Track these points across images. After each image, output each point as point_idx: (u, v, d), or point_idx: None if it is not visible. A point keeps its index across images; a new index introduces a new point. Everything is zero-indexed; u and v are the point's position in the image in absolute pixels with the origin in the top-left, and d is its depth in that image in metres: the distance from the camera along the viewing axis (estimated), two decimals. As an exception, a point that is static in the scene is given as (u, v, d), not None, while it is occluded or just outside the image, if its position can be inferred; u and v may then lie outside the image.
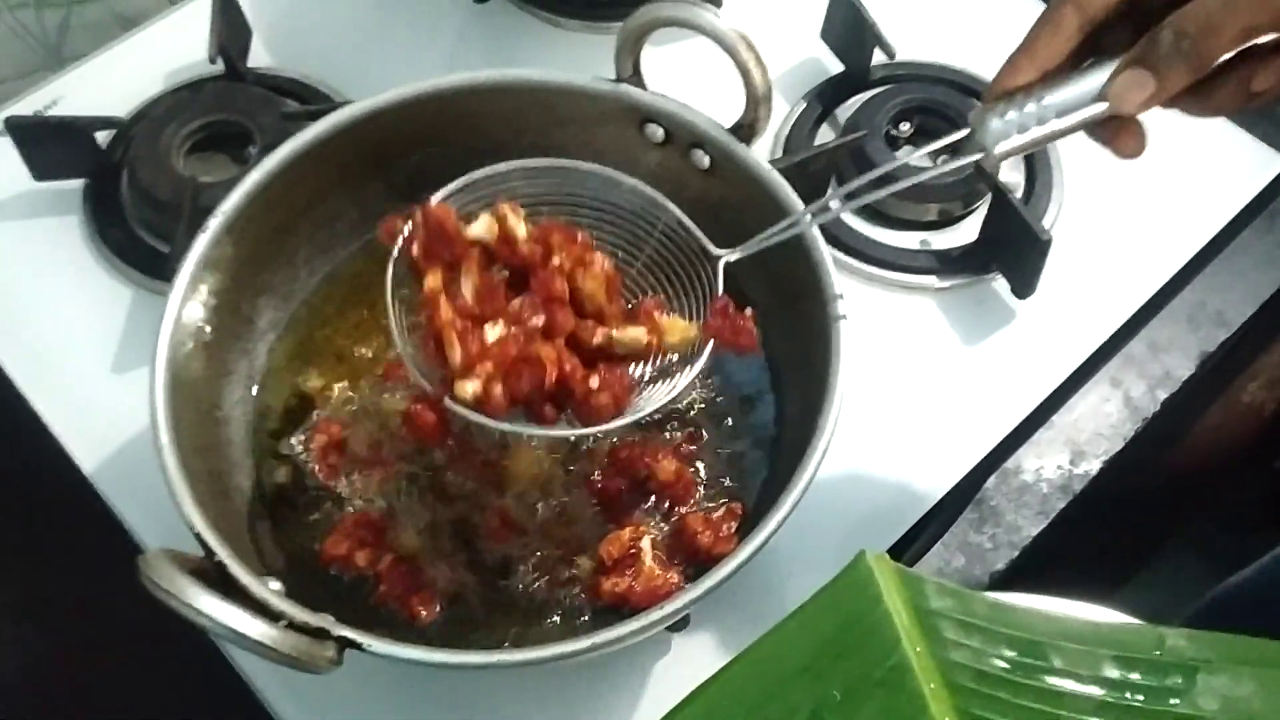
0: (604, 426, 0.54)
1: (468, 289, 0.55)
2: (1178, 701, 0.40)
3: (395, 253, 0.56)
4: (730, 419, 0.64)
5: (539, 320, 0.54)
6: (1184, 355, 0.75)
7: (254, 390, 0.66)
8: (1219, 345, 0.76)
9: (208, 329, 0.62)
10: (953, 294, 0.73)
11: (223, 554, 0.53)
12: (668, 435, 0.64)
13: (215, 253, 0.61)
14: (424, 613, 0.60)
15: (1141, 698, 0.41)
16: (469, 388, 0.52)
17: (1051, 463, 0.70)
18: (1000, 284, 0.73)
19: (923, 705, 0.41)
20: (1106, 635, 0.42)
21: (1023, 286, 0.71)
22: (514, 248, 0.55)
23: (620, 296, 0.57)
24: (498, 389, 0.53)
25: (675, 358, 0.57)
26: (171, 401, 0.57)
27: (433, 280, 0.55)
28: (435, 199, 0.56)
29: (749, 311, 0.56)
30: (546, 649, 0.49)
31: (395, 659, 0.51)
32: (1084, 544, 0.52)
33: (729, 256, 0.57)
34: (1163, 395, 0.74)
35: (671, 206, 0.58)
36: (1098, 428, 0.72)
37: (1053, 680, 0.41)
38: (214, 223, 0.61)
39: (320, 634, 0.50)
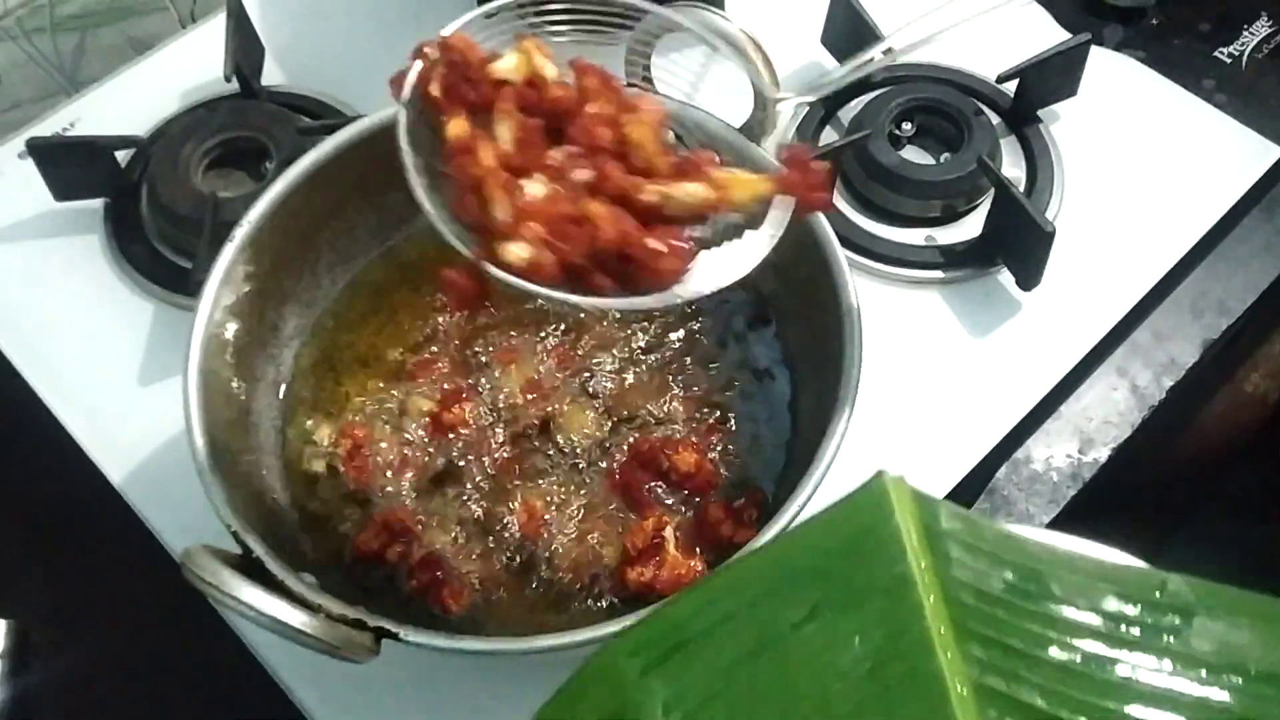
0: (665, 296, 0.50)
1: (505, 134, 0.48)
2: (1172, 640, 0.44)
3: (407, 93, 0.51)
4: (747, 411, 0.68)
5: (585, 174, 0.48)
6: (1188, 343, 0.79)
7: (280, 395, 0.70)
8: (1222, 333, 0.79)
9: (235, 336, 0.66)
10: (958, 287, 0.77)
11: (259, 550, 0.56)
12: (684, 428, 0.67)
13: (241, 261, 0.65)
14: (454, 606, 0.64)
15: (1137, 631, 0.45)
16: (518, 251, 0.47)
17: (1061, 451, 0.74)
18: (1005, 277, 0.77)
19: (920, 614, 0.45)
20: (1109, 572, 0.46)
21: (1027, 278, 0.75)
22: (543, 91, 0.50)
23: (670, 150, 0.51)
24: (548, 253, 0.47)
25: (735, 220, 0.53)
26: (204, 405, 0.62)
27: (458, 126, 0.49)
28: (451, 28, 0.51)
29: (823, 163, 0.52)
30: (577, 633, 0.53)
31: (431, 648, 0.54)
32: (1094, 533, 0.56)
33: (792, 99, 0.56)
34: (1169, 383, 0.78)
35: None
36: (1105, 416, 0.76)
37: (1051, 606, 0.45)
38: (240, 232, 0.65)
39: (357, 625, 0.54)
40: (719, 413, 0.68)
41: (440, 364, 0.71)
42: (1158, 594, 0.45)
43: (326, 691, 0.65)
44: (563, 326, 0.71)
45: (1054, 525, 0.73)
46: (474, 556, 0.66)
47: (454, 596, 0.64)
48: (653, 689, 0.44)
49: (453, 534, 0.66)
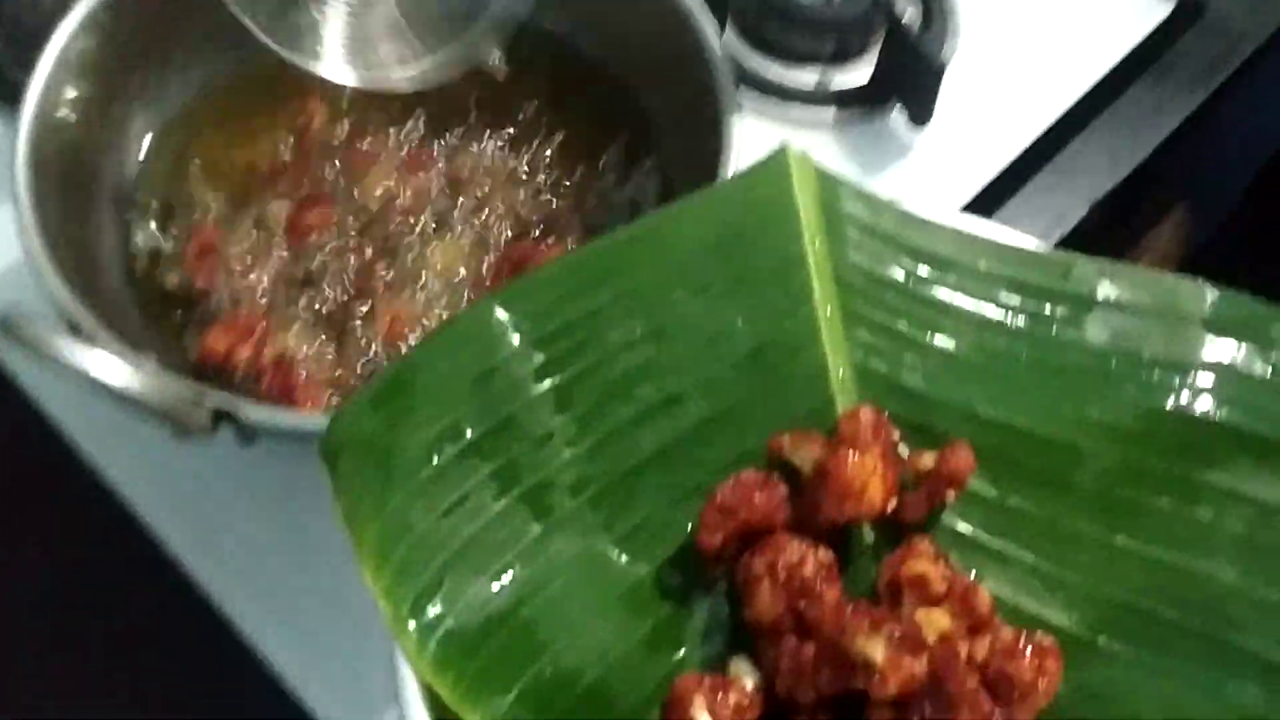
0: None
1: None
2: (1067, 330, 0.43)
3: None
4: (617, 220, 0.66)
5: None
6: (1076, 199, 0.80)
7: (127, 194, 0.66)
8: (1107, 193, 0.80)
9: (74, 127, 0.62)
10: (849, 129, 0.77)
11: (90, 325, 0.52)
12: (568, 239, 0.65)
13: (79, 47, 0.61)
14: (310, 408, 0.60)
15: (1031, 322, 0.44)
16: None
17: None
18: (897, 119, 0.77)
19: (808, 294, 0.44)
20: (1015, 258, 0.44)
21: (919, 112, 0.75)
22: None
23: None
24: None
25: None
26: (36, 188, 0.58)
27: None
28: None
29: None
30: None
31: (270, 428, 0.51)
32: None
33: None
34: (1055, 237, 0.78)
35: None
36: None
37: (945, 292, 0.44)
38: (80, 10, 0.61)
39: (193, 402, 0.50)
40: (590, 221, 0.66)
41: (298, 171, 0.68)
42: (1060, 281, 0.44)
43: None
44: (434, 141, 0.69)
45: None
46: (330, 362, 0.62)
47: (310, 400, 0.60)
48: (531, 355, 0.41)
49: (307, 339, 0.63)
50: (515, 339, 0.41)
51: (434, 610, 0.37)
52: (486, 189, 0.67)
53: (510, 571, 0.39)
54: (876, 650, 0.35)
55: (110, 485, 0.63)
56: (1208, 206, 0.99)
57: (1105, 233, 0.83)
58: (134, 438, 0.60)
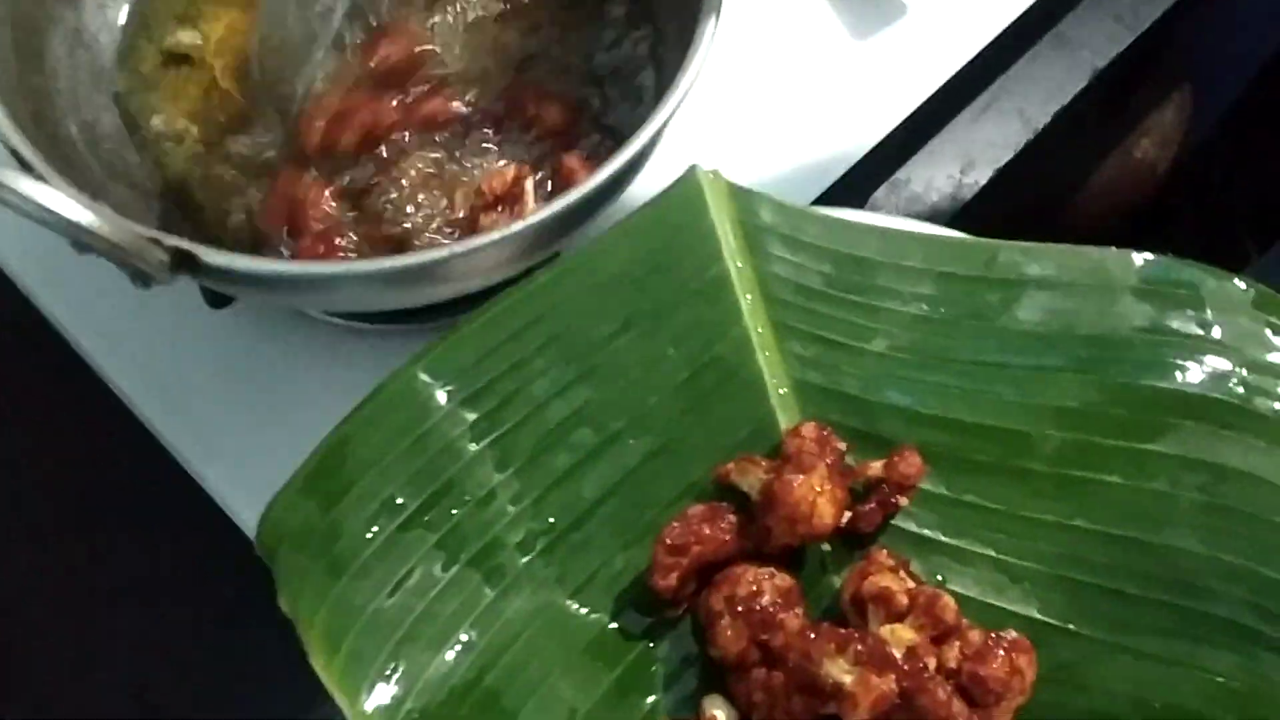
0: None
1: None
2: (999, 317, 0.43)
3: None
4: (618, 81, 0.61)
5: None
6: (1077, 70, 0.78)
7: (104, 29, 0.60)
8: (1108, 64, 0.79)
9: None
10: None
11: (44, 169, 0.47)
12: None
13: None
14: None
15: (963, 311, 0.43)
16: None
17: (942, 173, 0.73)
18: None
19: (736, 315, 0.43)
20: (938, 251, 0.44)
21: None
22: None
23: None
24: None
25: None
26: None
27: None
28: None
29: None
30: (401, 259, 0.45)
31: (231, 272, 0.46)
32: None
33: None
34: (1054, 108, 0.76)
35: None
36: (990, 139, 0.75)
37: (874, 295, 0.44)
38: None
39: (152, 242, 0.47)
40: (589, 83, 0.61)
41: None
42: (986, 268, 0.44)
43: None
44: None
45: None
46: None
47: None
48: (461, 416, 0.41)
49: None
50: (443, 400, 0.41)
51: (393, 693, 0.36)
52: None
53: (468, 642, 0.38)
54: (845, 674, 0.35)
55: (82, 351, 0.61)
56: (1211, 92, 0.97)
57: (1105, 112, 0.81)
58: (105, 302, 0.59)
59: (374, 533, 0.38)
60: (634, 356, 0.43)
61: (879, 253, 0.45)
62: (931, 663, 0.36)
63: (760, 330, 0.44)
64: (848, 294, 0.44)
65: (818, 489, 0.38)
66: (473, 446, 0.40)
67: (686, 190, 0.45)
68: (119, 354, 0.60)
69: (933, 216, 0.71)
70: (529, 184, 0.54)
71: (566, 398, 0.42)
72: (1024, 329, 0.43)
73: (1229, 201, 0.74)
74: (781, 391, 0.43)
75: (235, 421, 0.58)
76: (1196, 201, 0.96)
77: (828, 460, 0.40)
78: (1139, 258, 0.43)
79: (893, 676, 0.35)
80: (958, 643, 0.37)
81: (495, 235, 0.42)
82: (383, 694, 0.36)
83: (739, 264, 0.44)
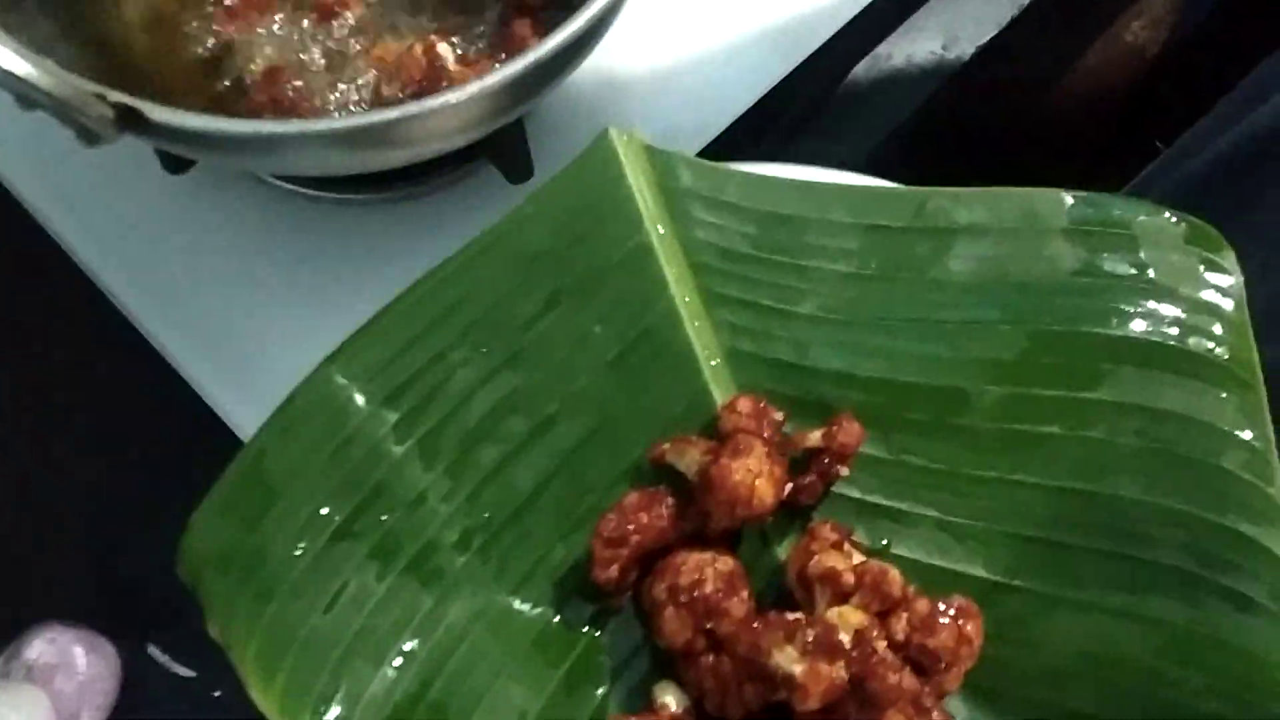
0: None
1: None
2: (931, 268, 0.42)
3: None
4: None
5: None
6: None
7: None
8: None
9: None
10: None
11: None
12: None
13: None
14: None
15: (893, 265, 0.43)
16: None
17: (923, 48, 0.72)
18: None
19: (662, 286, 0.42)
20: (862, 205, 0.43)
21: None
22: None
23: None
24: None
25: None
26: None
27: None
28: None
29: None
30: (353, 119, 0.44)
31: (178, 130, 0.45)
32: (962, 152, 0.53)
33: None
34: None
35: None
36: (974, 13, 0.73)
37: (801, 255, 0.43)
38: None
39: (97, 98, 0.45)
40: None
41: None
42: (915, 217, 0.43)
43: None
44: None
45: (910, 124, 0.70)
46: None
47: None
48: (383, 417, 0.39)
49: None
50: (362, 401, 0.39)
51: (336, 714, 0.36)
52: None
53: (410, 652, 0.37)
54: (794, 664, 0.35)
55: (41, 219, 0.60)
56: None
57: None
58: (67, 174, 0.58)
59: (302, 549, 0.37)
60: (559, 337, 0.42)
61: (804, 209, 0.43)
62: (881, 645, 0.36)
63: (688, 299, 0.43)
64: (775, 254, 0.43)
65: (756, 471, 0.37)
66: (398, 448, 0.39)
67: (601, 155, 0.43)
68: (79, 221, 0.58)
69: (914, 92, 0.69)
70: (444, 49, 0.51)
71: (492, 386, 0.41)
72: (956, 280, 0.43)
73: (1219, 93, 0.73)
74: (714, 363, 0.42)
75: (191, 285, 0.57)
76: (1185, 91, 0.94)
77: (765, 435, 0.39)
78: (1068, 197, 0.43)
79: (842, 663, 0.35)
80: (905, 614, 0.37)
81: (449, 97, 0.41)
82: (324, 715, 0.36)
83: (661, 230, 0.43)
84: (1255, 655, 0.36)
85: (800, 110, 0.68)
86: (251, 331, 0.56)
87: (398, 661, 0.37)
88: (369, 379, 0.40)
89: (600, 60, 0.52)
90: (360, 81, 0.55)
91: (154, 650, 0.93)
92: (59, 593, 0.88)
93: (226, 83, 0.55)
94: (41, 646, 0.95)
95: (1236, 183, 0.59)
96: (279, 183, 0.58)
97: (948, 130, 0.76)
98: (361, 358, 0.40)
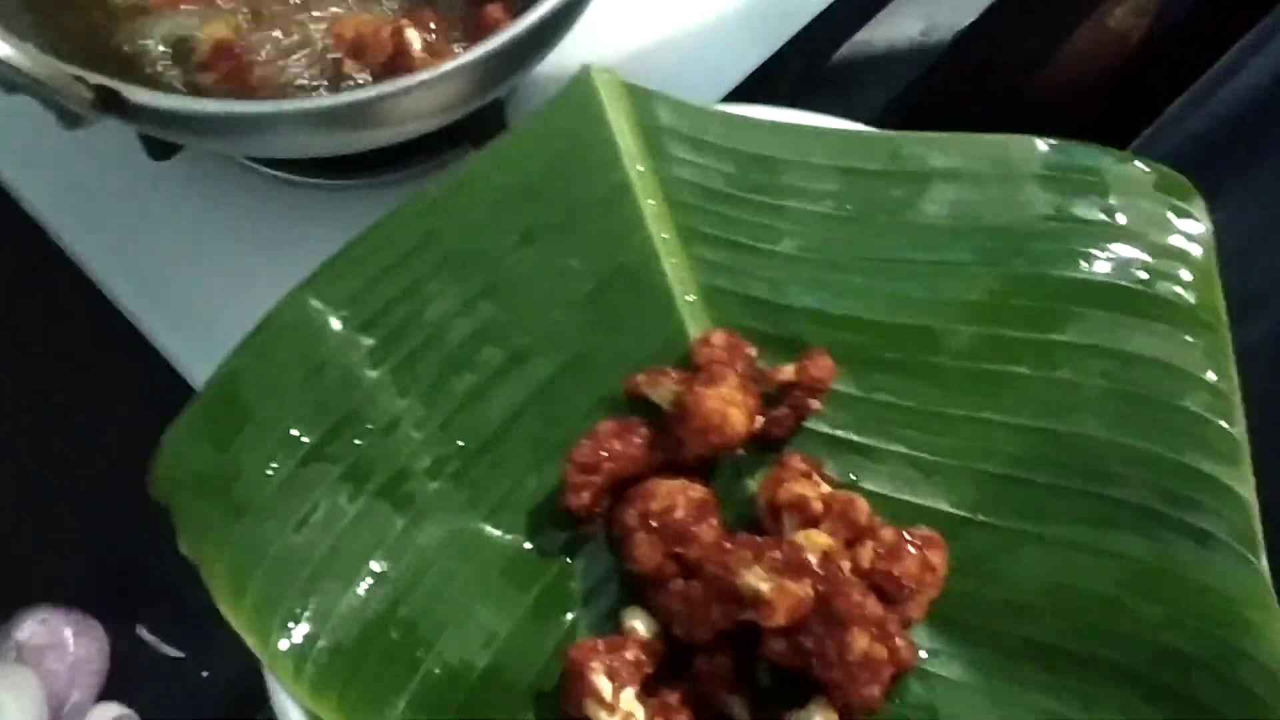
0: None
1: None
2: (905, 211, 0.43)
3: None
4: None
5: None
6: None
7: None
8: None
9: None
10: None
11: None
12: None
13: None
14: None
15: (868, 207, 0.43)
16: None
17: (903, 34, 0.72)
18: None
19: (639, 221, 0.43)
20: (840, 147, 0.44)
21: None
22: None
23: None
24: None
25: None
26: None
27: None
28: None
29: None
30: (329, 99, 0.46)
31: (157, 112, 0.45)
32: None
33: None
34: None
35: None
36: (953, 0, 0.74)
37: (779, 195, 0.43)
38: None
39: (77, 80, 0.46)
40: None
41: None
42: (891, 161, 0.43)
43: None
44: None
45: (891, 109, 0.70)
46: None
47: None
48: (358, 342, 0.40)
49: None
50: (338, 326, 0.40)
51: (305, 631, 0.36)
52: None
53: (380, 573, 0.37)
54: (762, 581, 0.35)
55: (28, 207, 0.60)
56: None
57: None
58: (54, 162, 0.59)
59: (274, 469, 0.38)
60: (536, 270, 0.42)
61: (782, 150, 0.44)
62: (846, 565, 0.36)
63: (665, 236, 0.43)
64: (753, 194, 0.43)
65: (728, 399, 0.38)
66: (372, 373, 0.39)
67: (580, 92, 0.44)
68: (66, 210, 0.59)
69: (892, 79, 0.69)
70: (411, 35, 0.51)
71: (469, 317, 0.41)
72: (930, 223, 0.43)
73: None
74: (689, 298, 0.43)
75: (180, 274, 0.57)
76: (1171, 79, 0.95)
77: (738, 368, 0.40)
78: (1042, 143, 0.43)
79: (808, 582, 0.35)
80: (871, 543, 0.38)
81: (425, 76, 0.41)
82: (295, 633, 0.36)
83: (640, 168, 0.43)
84: (1212, 589, 0.37)
85: (779, 95, 0.69)
86: (239, 318, 0.56)
87: (367, 581, 0.37)
88: (344, 305, 0.40)
89: (578, 45, 0.52)
90: (320, 51, 0.55)
91: (143, 631, 0.94)
92: (51, 576, 0.88)
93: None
94: (32, 627, 0.95)
95: (1231, 145, 0.60)
96: (266, 169, 0.58)
97: (929, 116, 0.76)
98: (337, 284, 0.40)
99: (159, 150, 0.55)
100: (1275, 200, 0.53)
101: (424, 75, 0.42)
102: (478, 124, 0.52)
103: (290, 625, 0.36)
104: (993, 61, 0.79)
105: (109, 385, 0.63)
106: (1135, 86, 0.94)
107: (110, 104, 0.44)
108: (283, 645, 0.36)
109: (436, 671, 0.36)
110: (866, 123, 0.58)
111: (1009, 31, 0.78)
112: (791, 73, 0.68)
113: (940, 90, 0.75)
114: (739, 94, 0.63)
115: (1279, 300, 0.44)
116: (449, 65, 0.43)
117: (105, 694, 0.94)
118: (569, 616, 0.39)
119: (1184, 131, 0.62)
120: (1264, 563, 0.37)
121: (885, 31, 0.72)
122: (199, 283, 0.57)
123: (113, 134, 0.50)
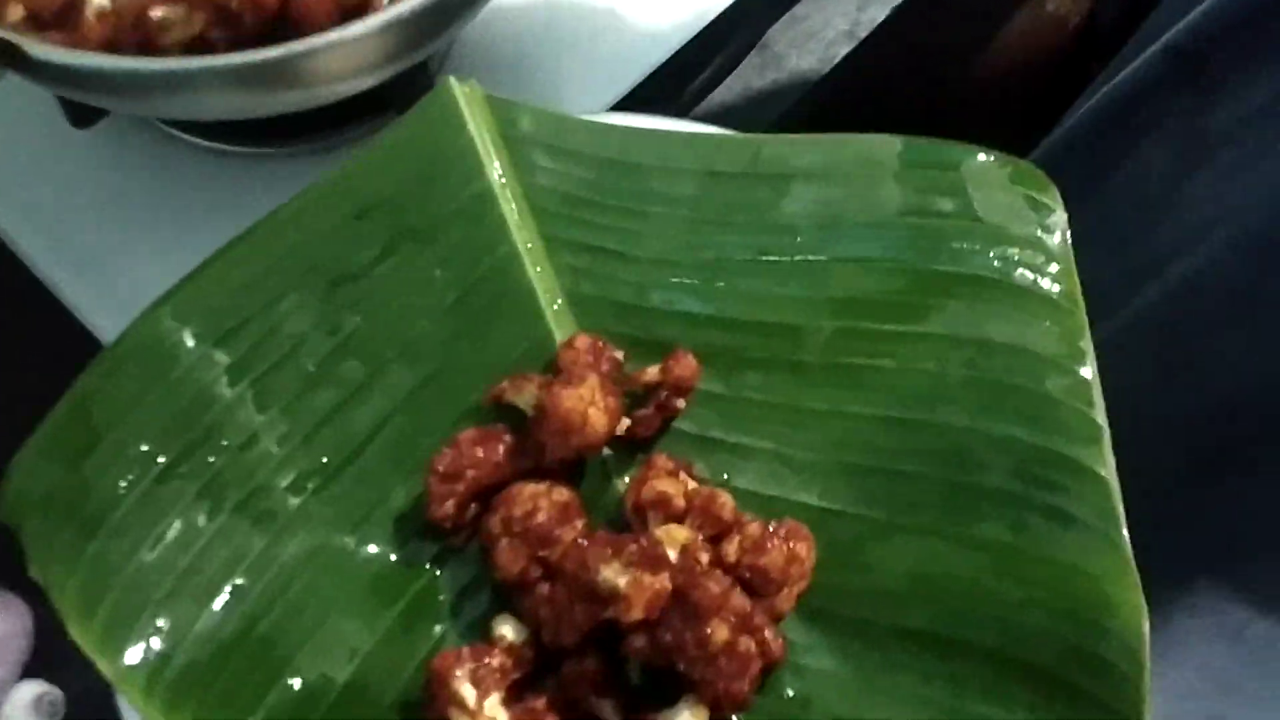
0: None
1: None
2: (768, 213, 0.44)
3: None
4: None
5: None
6: None
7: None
8: None
9: None
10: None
11: None
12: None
13: None
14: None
15: (730, 209, 0.44)
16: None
17: (839, 9, 0.73)
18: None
19: (503, 230, 0.43)
20: (702, 152, 0.44)
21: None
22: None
23: None
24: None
25: None
26: None
27: None
28: None
29: None
30: (245, 55, 0.44)
31: (61, 68, 0.45)
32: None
33: None
34: None
35: None
36: None
37: (641, 201, 0.43)
38: None
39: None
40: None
41: None
42: (753, 163, 0.44)
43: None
44: None
45: (826, 84, 0.71)
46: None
47: None
48: (214, 359, 0.39)
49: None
50: (191, 344, 0.39)
51: (157, 649, 0.35)
52: None
53: (239, 590, 0.37)
54: (619, 576, 0.35)
55: None
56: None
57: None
58: None
59: (126, 487, 0.37)
60: (398, 282, 0.42)
61: (645, 156, 0.45)
62: (705, 558, 0.36)
63: (530, 245, 0.43)
64: (616, 200, 0.44)
65: (588, 399, 0.38)
66: (229, 390, 0.39)
67: (441, 104, 0.44)
68: None
69: (828, 54, 0.70)
70: None
71: (329, 330, 0.41)
72: (791, 223, 0.44)
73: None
74: (556, 306, 0.43)
75: (99, 240, 0.57)
76: (1107, 63, 0.97)
77: (602, 370, 0.40)
78: (900, 141, 0.44)
79: (666, 575, 0.35)
80: (737, 538, 0.38)
81: (339, 34, 0.42)
82: (145, 651, 0.35)
83: (502, 178, 0.44)
84: (1076, 567, 0.37)
85: (714, 69, 0.70)
86: (150, 278, 0.56)
87: (224, 600, 0.37)
88: (201, 322, 0.40)
89: (510, 15, 0.52)
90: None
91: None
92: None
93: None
94: (-49, 606, 0.93)
95: (1096, 145, 0.61)
96: (189, 137, 0.58)
97: (864, 94, 0.77)
98: (193, 301, 0.40)
99: (80, 116, 0.54)
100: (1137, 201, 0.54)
101: (336, 34, 0.42)
102: (401, 89, 0.52)
103: (142, 644, 0.35)
104: (929, 42, 0.79)
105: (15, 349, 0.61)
106: (1074, 72, 0.95)
107: (11, 58, 0.44)
108: (132, 663, 0.35)
109: (295, 687, 0.36)
110: (801, 98, 0.59)
111: (945, 12, 0.79)
112: (728, 46, 0.69)
113: (876, 68, 0.75)
114: (675, 66, 0.64)
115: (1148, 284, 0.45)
116: (374, 21, 0.43)
117: (29, 672, 0.91)
118: (438, 628, 0.39)
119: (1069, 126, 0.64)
120: (1125, 538, 0.38)
121: (821, 5, 0.73)
122: (121, 249, 0.56)
123: (32, 97, 0.49)
